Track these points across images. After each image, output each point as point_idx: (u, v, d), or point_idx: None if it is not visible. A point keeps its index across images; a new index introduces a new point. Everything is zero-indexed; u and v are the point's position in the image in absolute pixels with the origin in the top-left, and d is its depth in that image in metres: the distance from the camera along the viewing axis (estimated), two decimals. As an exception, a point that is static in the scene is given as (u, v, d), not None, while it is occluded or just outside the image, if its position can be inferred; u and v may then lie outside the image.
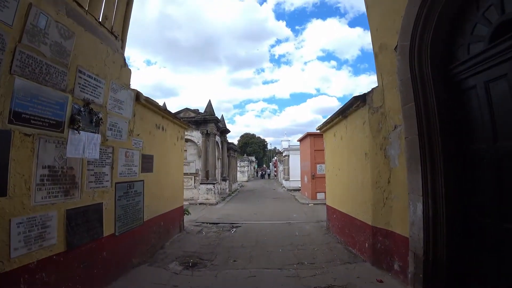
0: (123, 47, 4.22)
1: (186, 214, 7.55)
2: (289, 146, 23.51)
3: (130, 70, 4.29)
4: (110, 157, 3.70)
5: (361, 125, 4.72)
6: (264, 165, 56.48)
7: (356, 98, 4.72)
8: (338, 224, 6.17)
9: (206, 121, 13.54)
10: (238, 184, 24.10)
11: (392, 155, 3.76)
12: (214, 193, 12.98)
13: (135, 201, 4.33)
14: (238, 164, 33.75)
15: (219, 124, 14.86)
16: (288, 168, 23.03)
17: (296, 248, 5.34)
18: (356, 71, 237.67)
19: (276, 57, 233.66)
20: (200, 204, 12.60)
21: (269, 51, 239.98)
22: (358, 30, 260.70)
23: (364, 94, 4.60)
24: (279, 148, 36.35)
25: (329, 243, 5.75)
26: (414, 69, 3.07)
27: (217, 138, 15.81)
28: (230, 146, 19.41)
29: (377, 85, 4.20)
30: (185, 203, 13.75)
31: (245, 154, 43.75)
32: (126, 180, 4.10)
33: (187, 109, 14.40)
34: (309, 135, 13.59)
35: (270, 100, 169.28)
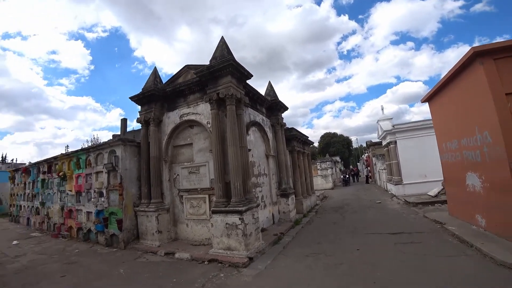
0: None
1: None
2: (393, 126, 13.83)
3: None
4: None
5: None
6: (352, 166, 44.63)
7: None
8: None
9: (215, 74, 6.23)
10: (318, 196, 15.60)
11: None
12: (244, 234, 5.38)
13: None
14: (318, 167, 25.14)
15: (246, 81, 7.07)
16: (398, 164, 13.38)
17: None
18: (440, 46, 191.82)
19: (345, 53, 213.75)
20: (210, 261, 5.25)
21: (336, 48, 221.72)
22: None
23: None
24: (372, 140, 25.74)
25: None
26: None
27: (257, 116, 8.11)
28: (293, 135, 11.26)
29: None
30: (185, 255, 5.34)
31: (327, 155, 34.43)
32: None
33: (187, 68, 7.52)
34: (485, 52, 4.53)
35: (347, 98, 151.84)
